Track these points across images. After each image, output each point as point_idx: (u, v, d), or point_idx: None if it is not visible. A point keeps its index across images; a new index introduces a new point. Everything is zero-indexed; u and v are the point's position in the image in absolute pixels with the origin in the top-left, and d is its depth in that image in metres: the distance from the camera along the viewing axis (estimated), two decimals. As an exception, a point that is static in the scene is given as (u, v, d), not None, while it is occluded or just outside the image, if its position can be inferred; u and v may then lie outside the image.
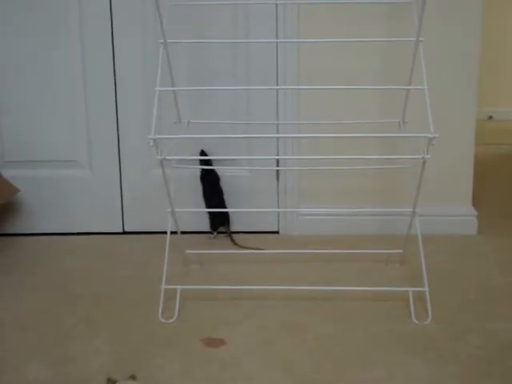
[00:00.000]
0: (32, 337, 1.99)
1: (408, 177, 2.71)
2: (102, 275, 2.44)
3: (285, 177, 2.81)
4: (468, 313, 2.10)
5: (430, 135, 1.86)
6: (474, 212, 2.81)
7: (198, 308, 2.16)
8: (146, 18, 2.71)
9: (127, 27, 2.71)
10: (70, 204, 2.86)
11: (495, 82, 5.54)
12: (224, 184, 2.80)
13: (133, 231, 2.88)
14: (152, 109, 2.38)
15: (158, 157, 1.97)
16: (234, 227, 2.81)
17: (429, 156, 1.91)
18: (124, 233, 2.89)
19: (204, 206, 2.79)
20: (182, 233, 2.39)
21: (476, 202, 2.84)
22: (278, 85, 2.74)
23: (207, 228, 2.81)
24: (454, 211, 2.80)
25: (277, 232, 2.87)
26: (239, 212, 2.80)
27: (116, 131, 2.80)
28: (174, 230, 2.25)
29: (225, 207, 2.77)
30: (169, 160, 2.04)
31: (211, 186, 2.78)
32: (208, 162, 2.77)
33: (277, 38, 2.70)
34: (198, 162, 2.79)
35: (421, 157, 1.92)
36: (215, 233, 2.80)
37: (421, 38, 2.02)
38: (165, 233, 2.22)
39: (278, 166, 2.82)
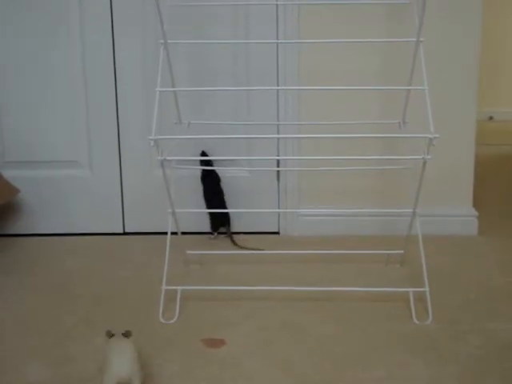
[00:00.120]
0: (32, 337, 1.99)
1: (408, 177, 2.71)
2: (103, 275, 2.44)
3: (285, 177, 2.81)
4: (468, 313, 2.10)
5: (430, 136, 1.86)
6: (475, 212, 2.81)
7: (199, 308, 2.16)
8: (147, 19, 2.71)
9: (127, 27, 2.71)
10: (70, 204, 2.86)
11: (495, 83, 5.54)
12: (224, 184, 2.80)
13: (133, 232, 2.88)
14: (152, 109, 2.39)
15: (159, 157, 1.97)
16: (234, 228, 2.81)
17: (429, 156, 1.91)
18: (124, 233, 2.89)
19: (204, 206, 2.79)
20: (183, 233, 2.39)
21: (476, 203, 2.84)
22: (278, 85, 2.74)
23: (208, 228, 2.81)
24: (455, 212, 2.80)
25: (277, 232, 2.87)
26: (239, 212, 2.80)
27: (116, 131, 2.81)
28: (174, 230, 2.25)
29: (225, 208, 2.77)
30: (169, 160, 2.04)
31: (212, 187, 2.78)
32: (209, 163, 2.77)
33: (277, 38, 2.70)
34: (198, 163, 2.79)
35: (421, 157, 1.92)
36: (216, 233, 2.80)
37: (421, 39, 2.02)
38: (165, 233, 2.22)
39: (278, 166, 2.82)
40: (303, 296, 2.21)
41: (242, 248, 2.68)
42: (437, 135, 1.85)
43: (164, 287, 2.13)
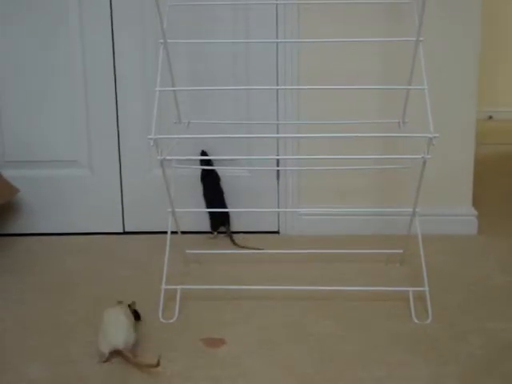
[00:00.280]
0: (32, 337, 1.99)
1: (408, 177, 2.71)
2: (102, 275, 2.44)
3: (285, 177, 2.81)
4: (468, 312, 2.10)
5: (430, 135, 1.86)
6: (474, 212, 2.81)
7: (199, 308, 2.16)
8: (146, 18, 2.70)
9: (127, 27, 2.71)
10: (70, 204, 2.86)
11: (495, 82, 5.54)
12: (224, 184, 2.80)
13: (133, 231, 2.88)
14: (152, 109, 2.39)
15: (159, 157, 1.97)
16: (234, 227, 2.82)
17: (429, 156, 1.91)
18: (124, 233, 2.89)
19: (204, 206, 2.79)
20: (183, 233, 2.39)
21: (476, 202, 2.84)
22: (277, 85, 2.74)
23: (207, 228, 2.81)
24: (454, 211, 2.80)
25: (277, 232, 2.87)
26: (239, 212, 2.80)
27: (116, 131, 2.81)
28: (174, 229, 2.25)
29: (225, 207, 2.77)
30: (169, 160, 2.04)
31: (212, 186, 2.78)
32: (209, 163, 2.77)
33: (277, 38, 2.70)
34: (198, 163, 2.79)
35: (421, 157, 1.92)
36: (215, 233, 2.80)
37: (421, 38, 2.02)
38: (165, 233, 2.22)
39: (278, 165, 2.82)
40: (303, 295, 2.21)
41: (241, 247, 2.68)
42: (436, 135, 1.85)
43: (164, 286, 2.13)
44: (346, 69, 2.69)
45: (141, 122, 2.79)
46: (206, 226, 2.81)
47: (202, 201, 2.79)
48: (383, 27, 2.66)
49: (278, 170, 2.81)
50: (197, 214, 2.81)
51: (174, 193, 2.28)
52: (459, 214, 2.80)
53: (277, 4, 2.65)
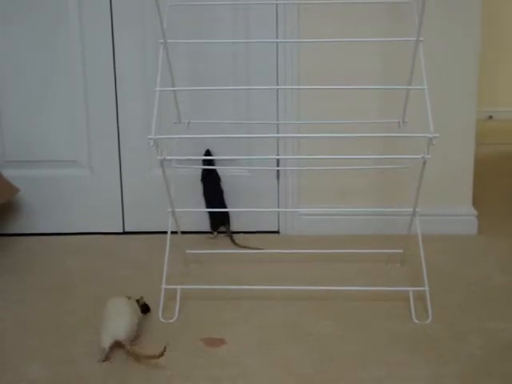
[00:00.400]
0: (32, 337, 1.99)
1: (408, 176, 2.71)
2: (102, 275, 2.44)
3: (285, 177, 2.81)
4: (468, 312, 2.10)
5: (430, 135, 1.86)
6: (474, 212, 2.81)
7: (199, 308, 2.16)
8: (146, 18, 2.70)
9: (127, 27, 2.71)
10: (70, 204, 2.86)
11: (495, 82, 5.54)
12: (224, 184, 2.80)
13: (133, 231, 2.88)
14: (152, 109, 2.39)
15: (159, 157, 1.97)
16: (234, 227, 2.81)
17: (429, 156, 1.91)
18: (124, 233, 2.89)
19: (204, 205, 2.79)
20: (183, 233, 2.39)
21: (476, 202, 2.84)
22: (278, 85, 2.74)
23: (207, 228, 2.81)
24: (454, 211, 2.80)
25: (277, 232, 2.87)
26: (239, 212, 2.80)
27: (116, 131, 2.81)
28: (174, 229, 2.25)
29: (225, 207, 2.77)
30: (169, 160, 2.04)
31: (212, 186, 2.78)
32: (210, 162, 2.77)
33: (277, 38, 2.70)
34: (197, 162, 2.79)
35: (421, 157, 1.92)
36: (215, 233, 2.80)
37: (421, 38, 2.02)
38: (165, 233, 2.22)
39: (278, 165, 2.82)
40: (303, 295, 2.21)
41: (241, 247, 2.68)
42: (436, 135, 1.85)
43: (164, 286, 2.13)
44: (346, 69, 2.69)
45: (141, 121, 2.79)
46: (206, 225, 2.81)
47: (201, 201, 2.79)
48: (383, 27, 2.66)
49: (278, 170, 2.81)
50: (197, 213, 2.81)
51: (174, 193, 2.28)
52: (459, 214, 2.80)
53: (277, 4, 2.65)
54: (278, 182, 2.83)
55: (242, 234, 2.81)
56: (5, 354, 1.89)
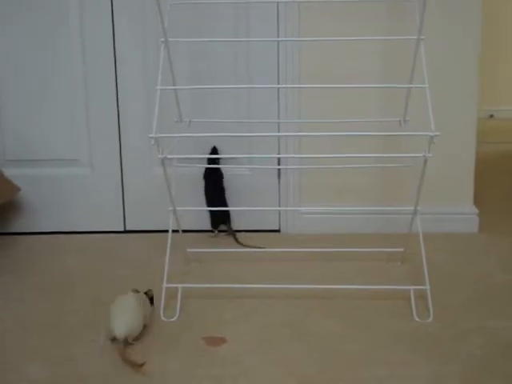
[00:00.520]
0: (32, 337, 1.98)
1: (409, 175, 2.71)
2: (103, 274, 2.44)
3: (286, 175, 2.81)
4: (470, 311, 2.10)
5: (431, 133, 1.86)
6: (476, 210, 2.81)
7: (200, 306, 2.16)
8: (147, 17, 2.70)
9: (128, 26, 2.71)
10: (71, 203, 2.86)
11: (496, 81, 5.54)
12: (225, 182, 2.80)
13: (134, 230, 2.88)
14: (153, 107, 2.39)
15: (160, 155, 1.97)
16: (234, 226, 2.81)
17: (430, 154, 1.91)
18: (125, 231, 2.89)
19: (205, 203, 2.78)
20: (184, 231, 2.39)
21: (477, 200, 2.84)
22: (279, 83, 2.74)
23: (208, 226, 2.81)
24: (456, 209, 2.80)
25: (278, 230, 2.87)
26: (240, 210, 2.80)
27: (117, 130, 2.80)
28: (175, 228, 2.25)
29: (226, 206, 2.77)
30: (170, 159, 2.04)
31: (214, 184, 2.78)
32: (215, 160, 2.77)
33: (278, 36, 2.69)
34: (198, 161, 2.78)
35: (422, 155, 1.92)
36: (216, 231, 2.80)
37: (422, 37, 2.02)
38: (166, 231, 2.22)
39: (279, 164, 2.82)
40: (304, 294, 2.21)
41: (242, 246, 2.68)
42: (438, 133, 1.85)
43: (165, 285, 2.13)
44: (346, 67, 2.69)
45: (142, 120, 2.79)
46: (207, 224, 2.81)
47: (202, 199, 2.79)
48: (384, 25, 2.66)
49: (278, 169, 2.81)
50: (198, 212, 2.81)
51: (175, 191, 2.28)
52: (460, 213, 2.80)
53: (278, 2, 2.65)
54: (279, 181, 2.83)
55: (243, 233, 2.81)
56: (5, 354, 1.89)
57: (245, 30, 2.71)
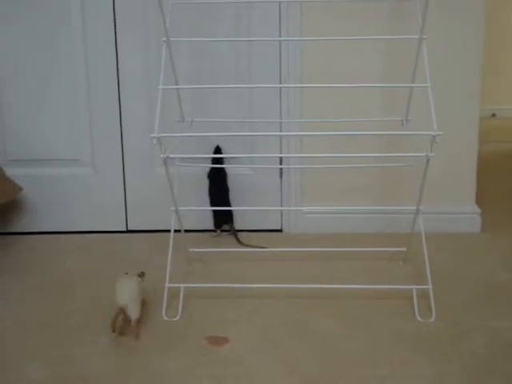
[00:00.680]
0: (32, 337, 1.98)
1: (411, 175, 2.70)
2: (105, 274, 2.43)
3: (288, 175, 2.81)
4: (472, 311, 2.10)
5: (433, 133, 1.85)
6: (478, 210, 2.81)
7: (202, 306, 2.16)
8: (149, 17, 2.70)
9: (130, 26, 2.71)
10: (73, 202, 2.86)
11: (498, 80, 5.53)
12: (228, 182, 2.80)
13: (136, 230, 2.88)
14: (155, 107, 2.39)
15: (162, 155, 1.97)
16: (237, 225, 2.81)
17: (432, 154, 1.91)
18: (127, 231, 2.89)
19: (208, 202, 2.78)
20: (186, 231, 2.39)
21: (479, 200, 2.83)
22: (281, 83, 2.74)
23: (211, 226, 2.81)
24: (458, 209, 2.80)
25: (280, 230, 2.87)
26: (242, 210, 2.80)
27: (119, 130, 2.81)
28: (177, 228, 2.25)
29: (229, 205, 2.77)
30: (172, 158, 2.04)
31: (218, 184, 2.78)
32: (219, 159, 2.77)
33: (280, 36, 2.69)
34: (200, 161, 2.78)
35: (424, 155, 1.92)
36: (218, 231, 2.80)
37: (424, 36, 2.02)
38: (168, 231, 2.22)
39: (281, 164, 2.81)
40: (306, 293, 2.21)
41: (244, 246, 2.68)
42: (440, 132, 1.85)
43: (167, 285, 2.13)
44: (348, 67, 2.69)
45: (144, 120, 2.79)
46: (209, 224, 2.81)
47: (205, 199, 2.79)
48: (386, 25, 2.66)
49: (281, 169, 2.81)
50: (200, 212, 2.81)
51: (178, 191, 2.28)
52: (463, 212, 2.80)
53: (280, 2, 2.65)
54: (281, 181, 2.83)
55: (245, 233, 2.81)
56: (5, 354, 1.89)
57: (246, 30, 2.71)
